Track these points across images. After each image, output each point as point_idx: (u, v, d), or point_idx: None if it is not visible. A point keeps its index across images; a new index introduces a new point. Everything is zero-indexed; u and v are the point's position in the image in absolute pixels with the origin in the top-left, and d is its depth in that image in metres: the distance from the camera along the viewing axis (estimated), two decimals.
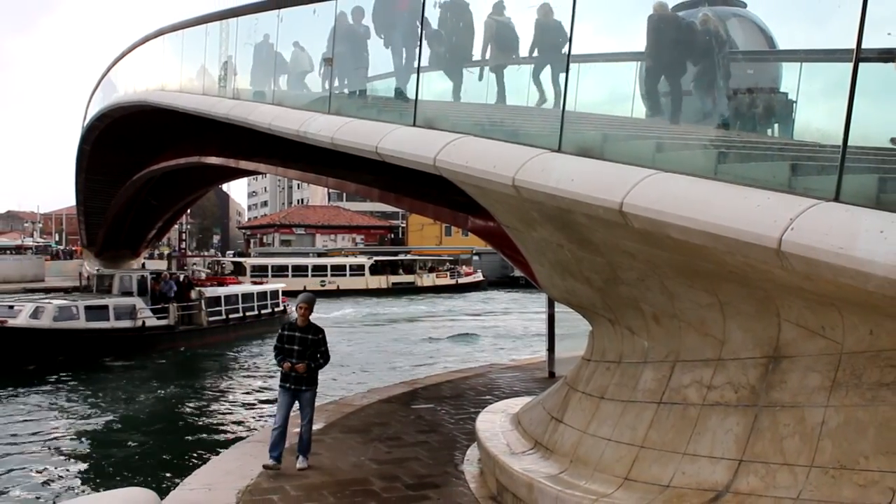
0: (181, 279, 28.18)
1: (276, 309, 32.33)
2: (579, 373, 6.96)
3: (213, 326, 27.75)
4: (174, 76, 20.65)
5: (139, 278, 26.35)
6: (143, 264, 64.17)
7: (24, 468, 12.17)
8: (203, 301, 27.46)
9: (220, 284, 31.89)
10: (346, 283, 55.35)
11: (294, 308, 7.96)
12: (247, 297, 30.42)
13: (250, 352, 26.58)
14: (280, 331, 7.85)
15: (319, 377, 7.92)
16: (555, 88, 6.63)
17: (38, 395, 18.17)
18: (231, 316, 28.95)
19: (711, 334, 5.24)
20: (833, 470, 4.07)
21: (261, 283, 36.34)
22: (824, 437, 4.19)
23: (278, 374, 7.92)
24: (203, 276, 35.99)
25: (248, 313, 29.94)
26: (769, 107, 5.57)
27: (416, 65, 8.35)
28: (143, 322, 24.46)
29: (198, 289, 28.24)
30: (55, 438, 14.20)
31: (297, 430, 7.78)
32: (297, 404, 7.79)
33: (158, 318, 25.33)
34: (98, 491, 10.36)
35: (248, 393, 19.27)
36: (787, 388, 4.55)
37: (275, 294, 32.96)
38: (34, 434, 14.47)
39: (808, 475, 4.17)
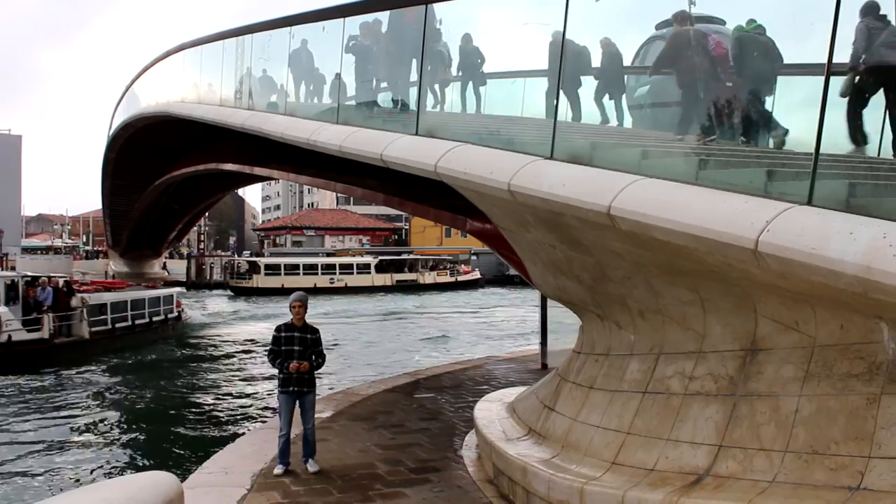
0: (60, 285, 22.81)
1: (170, 315, 28.05)
2: (570, 364, 6.96)
3: (97, 338, 22.76)
4: (193, 88, 20.66)
5: (7, 283, 20.72)
6: (164, 264, 64.40)
7: (42, 457, 12.07)
8: (85, 309, 22.35)
9: (108, 289, 26.63)
10: (354, 280, 55.28)
11: (288, 307, 7.25)
12: (137, 303, 25.69)
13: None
14: (276, 333, 7.15)
15: (323, 371, 7.61)
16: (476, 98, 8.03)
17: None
18: (118, 325, 24.07)
19: (693, 329, 5.23)
20: (806, 455, 4.07)
21: (155, 287, 31.31)
22: (798, 424, 4.18)
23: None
24: (88, 280, 30.94)
25: (138, 321, 25.32)
26: (747, 117, 5.57)
27: (418, 79, 8.36)
28: (10, 336, 19.34)
29: (79, 295, 23.10)
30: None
31: (301, 434, 7.25)
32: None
33: (29, 331, 20.20)
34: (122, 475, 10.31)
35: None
36: (764, 379, 4.54)
37: (169, 299, 28.40)
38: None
39: (783, 460, 4.17)
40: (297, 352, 7.04)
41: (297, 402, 7.16)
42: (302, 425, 7.21)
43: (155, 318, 26.82)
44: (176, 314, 28.94)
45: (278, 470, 7.09)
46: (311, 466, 7.18)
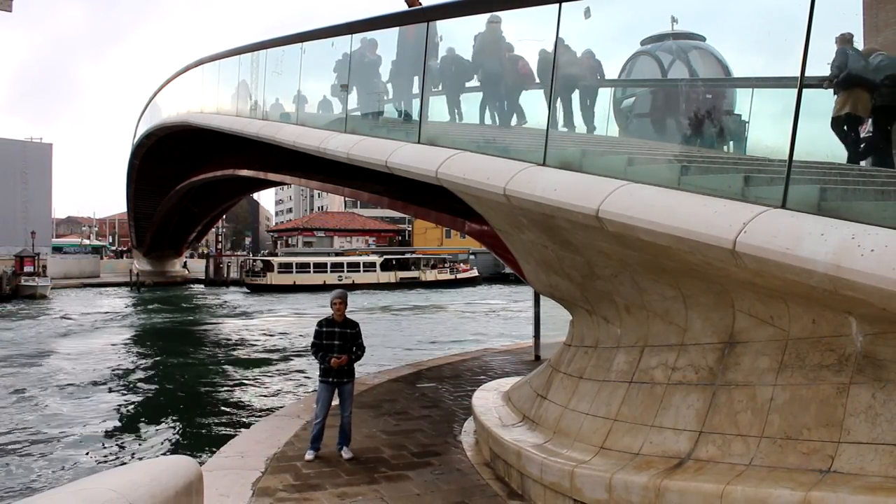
0: None
1: None
2: (561, 356, 6.96)
3: None
4: (211, 100, 20.65)
5: None
6: (185, 263, 64.36)
7: (66, 442, 12.00)
8: None
9: None
10: (360, 278, 55.22)
11: (329, 304, 7.15)
12: None
13: None
14: (317, 328, 7.04)
15: None
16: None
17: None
18: None
19: (675, 323, 5.23)
20: (780, 440, 4.07)
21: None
22: (773, 411, 4.18)
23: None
24: None
25: None
26: (725, 126, 5.58)
27: (420, 91, 8.35)
28: None
29: None
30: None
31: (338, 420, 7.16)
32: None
33: None
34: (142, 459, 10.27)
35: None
36: (741, 370, 4.55)
37: None
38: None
39: (759, 444, 4.17)
40: (338, 346, 6.99)
41: (336, 392, 7.09)
42: (340, 413, 7.12)
43: None
44: None
45: (309, 455, 6.98)
46: (346, 454, 7.06)
